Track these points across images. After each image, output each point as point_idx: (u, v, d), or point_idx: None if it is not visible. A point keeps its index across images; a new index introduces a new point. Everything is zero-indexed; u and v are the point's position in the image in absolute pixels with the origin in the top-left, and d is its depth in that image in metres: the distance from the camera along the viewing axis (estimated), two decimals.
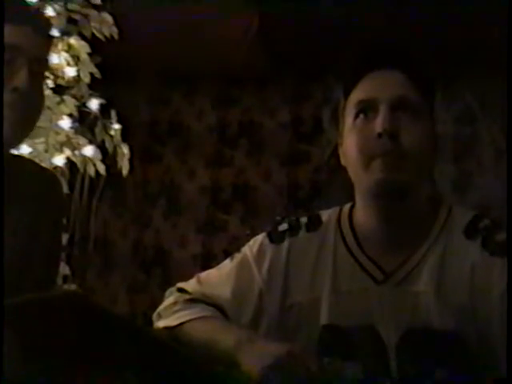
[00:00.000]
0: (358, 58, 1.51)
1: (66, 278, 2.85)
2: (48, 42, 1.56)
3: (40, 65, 1.51)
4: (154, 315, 1.56)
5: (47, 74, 1.55)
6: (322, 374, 1.31)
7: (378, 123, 1.39)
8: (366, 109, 1.42)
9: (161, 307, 1.55)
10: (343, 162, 1.48)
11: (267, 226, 1.58)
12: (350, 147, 1.44)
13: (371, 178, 1.39)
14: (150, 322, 1.56)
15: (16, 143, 1.57)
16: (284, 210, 4.37)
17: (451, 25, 3.72)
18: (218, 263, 1.61)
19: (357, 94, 1.45)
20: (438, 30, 3.77)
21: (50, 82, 2.64)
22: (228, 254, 1.60)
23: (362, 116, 1.43)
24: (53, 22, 2.78)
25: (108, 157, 2.93)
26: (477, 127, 4.31)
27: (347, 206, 1.53)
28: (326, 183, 4.19)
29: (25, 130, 1.53)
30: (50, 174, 1.70)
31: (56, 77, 2.71)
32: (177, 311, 1.51)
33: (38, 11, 1.65)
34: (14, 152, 1.65)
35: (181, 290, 1.56)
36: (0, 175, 1.45)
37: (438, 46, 3.79)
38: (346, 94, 1.47)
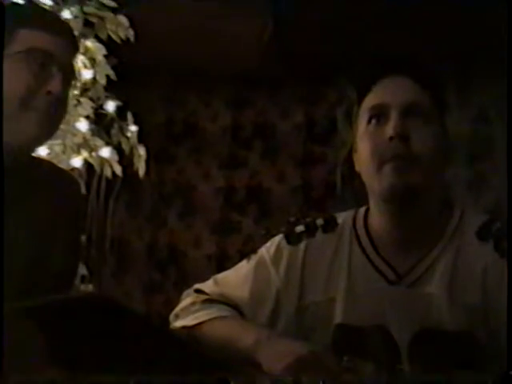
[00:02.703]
0: (370, 65, 1.54)
1: (83, 278, 2.87)
2: (76, 52, 1.60)
3: (71, 70, 1.56)
4: (171, 316, 1.57)
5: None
6: (343, 373, 1.33)
7: (390, 127, 1.43)
8: (378, 114, 1.46)
9: (178, 308, 1.57)
10: (357, 167, 1.51)
11: (281, 227, 1.59)
12: (362, 152, 1.47)
13: (383, 182, 1.42)
14: (166, 322, 1.58)
15: (40, 144, 1.61)
16: (298, 211, 4.38)
17: (465, 26, 3.72)
18: (232, 263, 1.62)
19: (369, 100, 1.48)
20: (451, 32, 3.77)
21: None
22: (242, 254, 1.62)
23: (374, 121, 1.46)
24: (70, 24, 2.81)
25: (124, 158, 2.95)
26: (492, 129, 4.30)
27: (362, 209, 1.55)
28: (341, 188, 4.19)
29: (50, 133, 1.57)
30: (68, 175, 1.72)
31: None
32: (195, 311, 1.52)
33: (67, 23, 1.70)
34: (32, 153, 1.67)
35: (198, 291, 1.58)
36: (0, 175, 1.47)
37: (453, 48, 3.79)
38: (360, 100, 1.50)
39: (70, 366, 0.98)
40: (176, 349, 1.09)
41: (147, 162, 3.02)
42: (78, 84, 2.85)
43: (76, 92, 1.59)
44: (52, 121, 1.54)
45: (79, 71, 2.80)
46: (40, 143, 1.60)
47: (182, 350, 1.10)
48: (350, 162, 1.54)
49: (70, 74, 1.55)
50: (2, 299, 1.07)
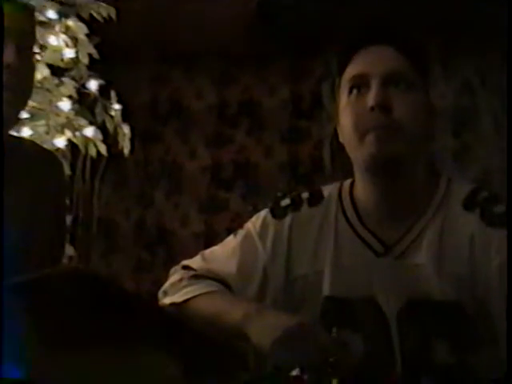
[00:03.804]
0: (350, 35, 1.52)
1: (70, 259, 2.86)
2: (30, 15, 1.54)
3: (26, 39, 1.50)
4: (160, 293, 1.57)
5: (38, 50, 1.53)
6: (331, 345, 1.33)
7: (370, 97, 1.41)
8: (359, 84, 1.44)
9: (166, 284, 1.57)
10: (341, 139, 1.50)
11: (269, 203, 1.59)
12: (345, 123, 1.46)
13: (365, 153, 1.41)
14: (156, 301, 1.57)
15: (13, 122, 1.57)
16: (286, 187, 4.38)
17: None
18: (220, 241, 1.62)
19: (350, 70, 1.46)
20: (437, 4, 3.76)
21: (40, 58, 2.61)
22: (230, 231, 1.62)
23: (355, 91, 1.45)
24: (50, 4, 2.79)
25: (109, 137, 2.94)
26: (477, 100, 4.31)
27: (348, 182, 1.54)
28: (330, 162, 4.19)
29: (19, 108, 1.53)
30: (50, 155, 1.71)
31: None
32: (183, 287, 1.52)
33: None
34: (15, 134, 1.65)
35: (186, 268, 1.57)
36: (0, 170, 1.46)
37: (437, 20, 3.78)
38: (341, 71, 1.49)
39: (56, 343, 0.97)
40: (165, 324, 1.08)
41: (132, 140, 3.01)
42: (60, 64, 2.83)
43: (39, 58, 1.52)
44: (18, 95, 1.48)
45: (61, 51, 2.78)
46: (12, 121, 1.54)
47: (171, 326, 1.10)
48: (336, 135, 1.53)
49: (25, 42, 1.49)
50: (1, 298, 1.06)
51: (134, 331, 1.03)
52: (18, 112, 1.53)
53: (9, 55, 1.44)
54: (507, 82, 1.62)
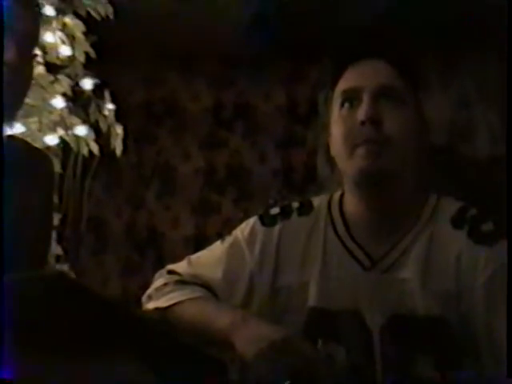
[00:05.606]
0: (344, 48, 1.53)
1: (58, 258, 2.85)
2: (35, 17, 1.54)
3: (28, 40, 1.49)
4: (144, 297, 1.56)
5: (38, 51, 1.53)
6: (316, 358, 1.32)
7: (361, 111, 1.42)
8: (351, 98, 1.45)
9: (151, 289, 1.56)
10: (332, 152, 1.50)
11: (261, 209, 1.58)
12: (335, 136, 1.46)
13: (354, 166, 1.41)
14: (138, 306, 1.56)
15: (8, 120, 1.56)
16: (278, 193, 4.37)
17: (449, 7, 3.72)
18: (211, 245, 1.61)
19: (342, 84, 1.47)
20: (436, 14, 3.76)
21: (41, 59, 2.61)
22: (221, 236, 1.61)
23: (346, 105, 1.45)
24: (47, 0, 2.77)
25: (102, 137, 2.93)
26: (473, 112, 4.31)
27: (338, 193, 1.54)
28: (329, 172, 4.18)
29: (16, 106, 1.52)
30: (40, 153, 1.69)
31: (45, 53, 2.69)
32: (168, 292, 1.51)
33: None
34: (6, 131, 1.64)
35: (171, 272, 1.56)
36: (0, 167, 1.44)
37: (435, 31, 3.78)
38: (333, 85, 1.49)
39: (33, 347, 0.96)
40: (142, 331, 1.07)
41: (125, 141, 3.00)
42: (56, 61, 2.82)
43: (39, 59, 1.51)
44: (15, 94, 1.47)
45: (57, 48, 2.77)
46: (8, 119, 1.54)
47: (148, 333, 1.08)
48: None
49: (28, 42, 1.48)
50: (2, 297, 1.05)
51: (110, 339, 1.02)
52: (14, 109, 1.52)
53: (8, 54, 1.42)
54: (507, 83, 1.61)
